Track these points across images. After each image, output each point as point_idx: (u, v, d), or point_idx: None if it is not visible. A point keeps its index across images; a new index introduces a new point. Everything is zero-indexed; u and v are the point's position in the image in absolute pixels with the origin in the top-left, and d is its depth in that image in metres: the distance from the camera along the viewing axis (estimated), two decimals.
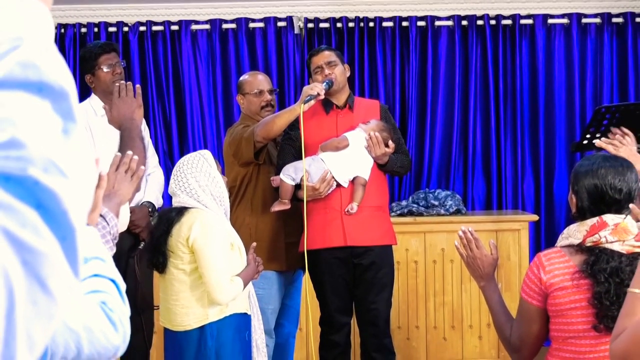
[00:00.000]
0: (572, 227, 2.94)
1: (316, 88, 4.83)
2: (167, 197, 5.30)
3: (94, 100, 5.08)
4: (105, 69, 5.07)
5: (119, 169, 3.08)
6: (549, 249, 2.98)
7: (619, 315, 2.38)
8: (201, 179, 4.02)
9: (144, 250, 4.82)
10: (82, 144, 0.95)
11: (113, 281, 1.84)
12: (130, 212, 4.91)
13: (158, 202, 5.20)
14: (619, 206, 2.89)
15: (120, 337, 1.80)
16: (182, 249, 3.95)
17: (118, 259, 4.79)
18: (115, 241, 2.86)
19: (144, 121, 5.40)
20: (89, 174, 0.96)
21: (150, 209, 5.06)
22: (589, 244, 2.87)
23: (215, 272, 3.89)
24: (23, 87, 0.91)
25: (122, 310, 1.82)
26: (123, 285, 1.86)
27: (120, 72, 5.11)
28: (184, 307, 3.99)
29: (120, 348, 1.82)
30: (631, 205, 2.72)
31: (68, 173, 0.90)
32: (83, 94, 5.38)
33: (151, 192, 5.14)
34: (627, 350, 2.14)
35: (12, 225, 0.84)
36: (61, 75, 0.95)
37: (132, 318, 5.27)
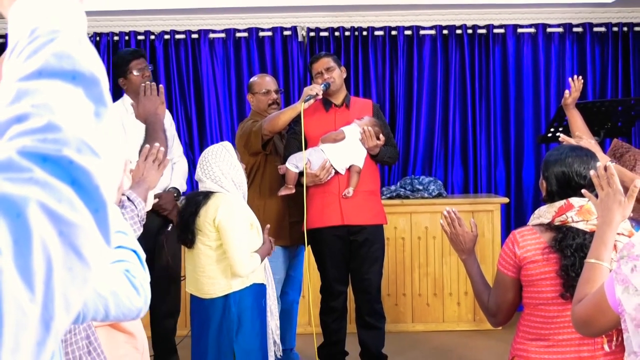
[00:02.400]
0: (543, 209, 2.92)
1: (315, 89, 4.86)
2: (191, 183, 5.29)
3: (126, 100, 5.07)
4: (135, 73, 5.06)
5: (147, 159, 3.05)
6: (522, 227, 2.96)
7: (578, 283, 2.35)
8: (223, 167, 4.01)
9: (172, 230, 4.82)
10: (112, 126, 0.93)
11: (134, 251, 1.84)
12: (158, 197, 4.93)
13: (182, 188, 5.21)
14: None
15: (142, 300, 1.80)
16: (208, 228, 3.95)
17: (149, 238, 4.84)
18: (143, 222, 2.83)
19: (170, 115, 5.40)
20: (118, 152, 0.94)
21: (175, 194, 5.07)
22: (557, 223, 2.85)
23: (237, 249, 3.90)
24: (58, 75, 0.90)
25: (143, 276, 1.82)
26: (143, 255, 1.87)
27: (149, 75, 5.11)
28: (210, 278, 3.99)
29: (142, 309, 1.82)
30: (583, 191, 2.69)
31: (99, 152, 0.89)
32: (115, 95, 5.36)
33: (176, 179, 5.16)
34: (588, 314, 2.11)
35: (49, 200, 0.82)
36: (93, 64, 0.94)
37: (163, 287, 5.27)
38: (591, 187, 2.66)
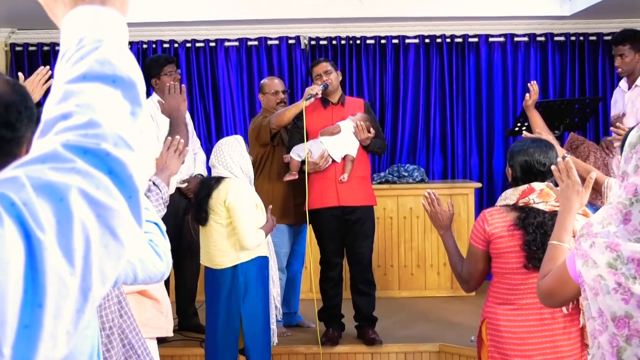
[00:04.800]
0: (509, 192, 2.93)
1: (315, 89, 4.87)
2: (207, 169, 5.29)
3: (154, 98, 5.07)
4: (167, 76, 5.05)
5: (170, 149, 3.06)
6: (491, 207, 2.96)
7: (542, 261, 2.36)
8: (234, 156, 4.02)
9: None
10: (146, 124, 0.93)
11: (156, 224, 1.84)
12: (187, 182, 4.96)
13: (205, 174, 5.22)
14: (543, 176, 2.87)
15: (165, 265, 1.82)
16: (220, 208, 3.95)
17: (177, 217, 4.85)
18: (166, 204, 2.84)
19: (188, 114, 5.40)
20: (150, 146, 0.95)
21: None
22: (521, 204, 2.85)
23: (244, 225, 3.91)
24: (100, 79, 0.90)
25: (165, 245, 1.83)
26: (163, 226, 1.88)
27: (178, 79, 5.10)
28: (221, 251, 4.00)
29: (165, 273, 1.84)
30: (546, 183, 2.70)
31: (134, 146, 0.89)
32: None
33: (199, 167, 5.18)
34: (552, 287, 2.12)
35: (89, 187, 0.83)
36: (131, 69, 0.94)
37: (187, 260, 5.24)
38: (550, 174, 2.67)
